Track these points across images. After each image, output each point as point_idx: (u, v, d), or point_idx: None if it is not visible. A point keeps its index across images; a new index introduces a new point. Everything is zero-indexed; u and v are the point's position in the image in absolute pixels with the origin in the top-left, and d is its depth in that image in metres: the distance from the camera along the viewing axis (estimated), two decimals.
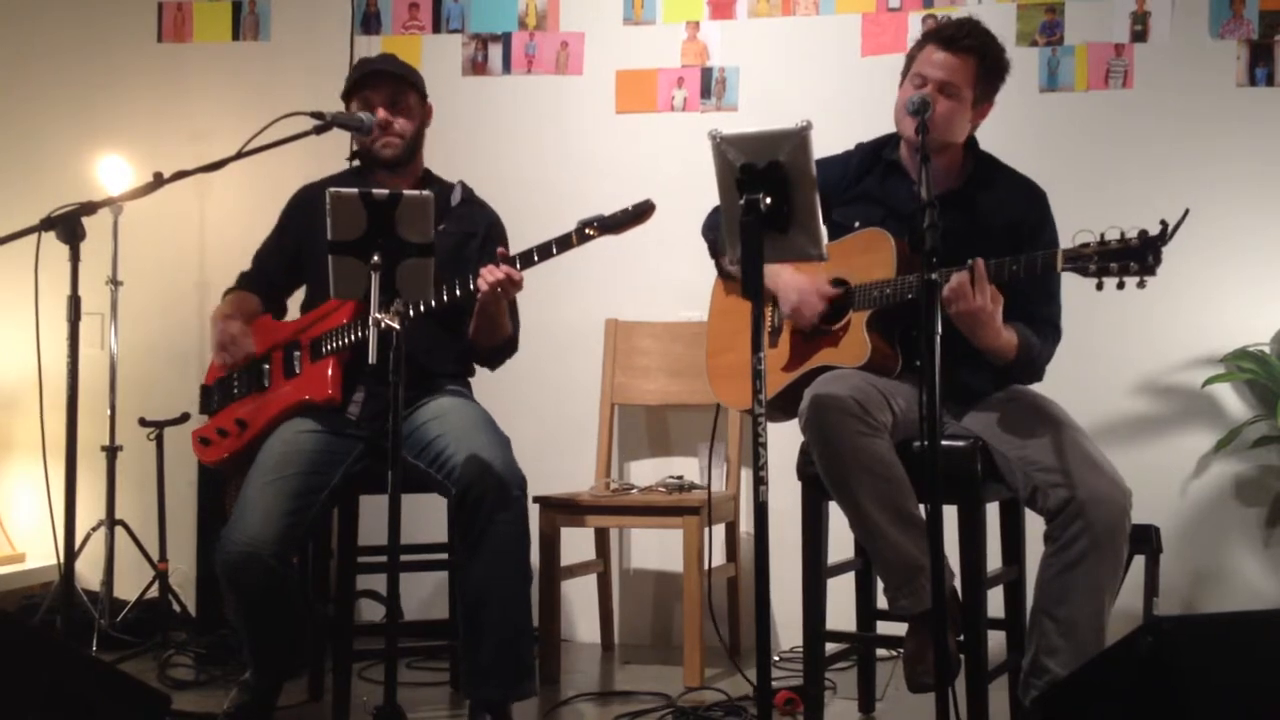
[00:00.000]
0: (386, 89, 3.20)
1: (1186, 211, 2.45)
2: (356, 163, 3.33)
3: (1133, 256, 2.49)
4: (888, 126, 3.04)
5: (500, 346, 3.22)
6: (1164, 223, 2.47)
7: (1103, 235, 2.53)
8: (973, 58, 2.86)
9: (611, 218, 2.84)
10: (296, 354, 3.18)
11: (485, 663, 2.92)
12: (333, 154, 3.82)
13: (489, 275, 2.90)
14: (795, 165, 2.36)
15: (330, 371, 3.10)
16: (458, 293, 2.96)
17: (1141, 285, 2.49)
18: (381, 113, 3.18)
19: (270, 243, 3.40)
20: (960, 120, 2.90)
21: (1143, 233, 2.48)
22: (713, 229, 3.13)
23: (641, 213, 2.83)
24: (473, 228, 3.27)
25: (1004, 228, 2.89)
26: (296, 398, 3.12)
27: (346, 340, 3.08)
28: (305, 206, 3.34)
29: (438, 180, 3.34)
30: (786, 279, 2.92)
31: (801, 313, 2.92)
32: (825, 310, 2.91)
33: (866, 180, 3.05)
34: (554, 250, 2.89)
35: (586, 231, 2.84)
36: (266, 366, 3.21)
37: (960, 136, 2.94)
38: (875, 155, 3.08)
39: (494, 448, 2.98)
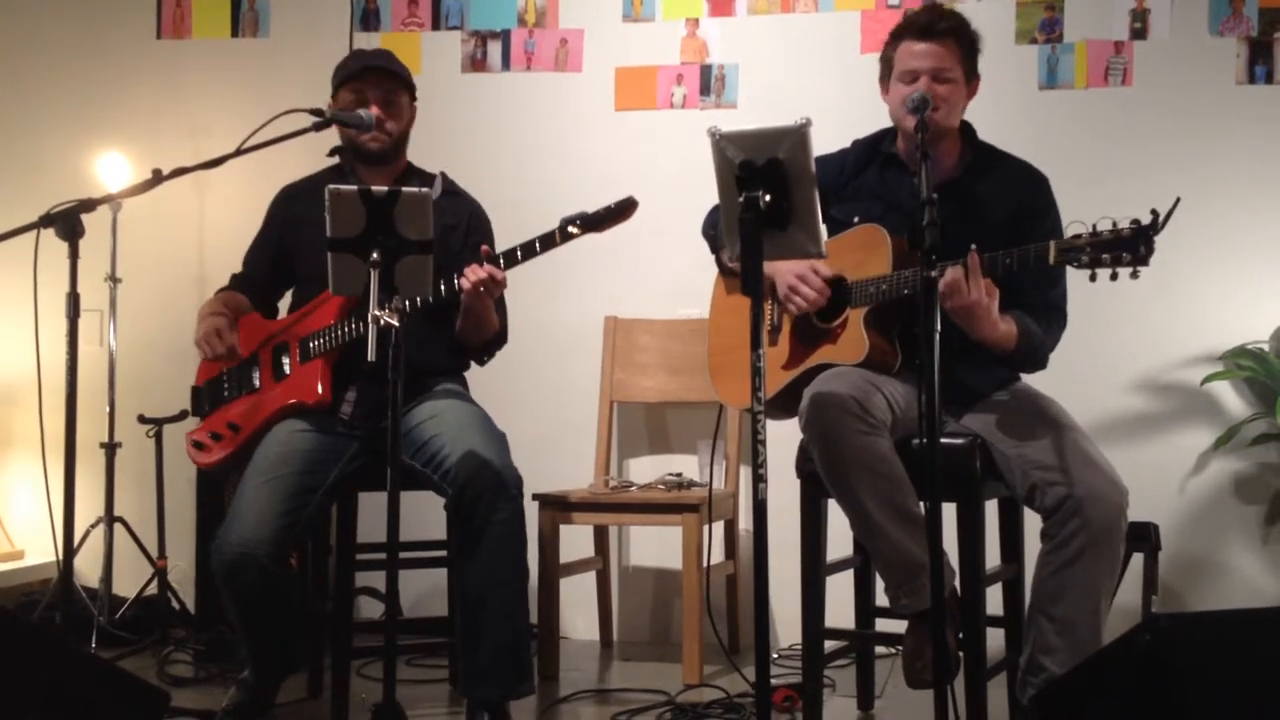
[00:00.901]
0: (383, 86, 3.19)
1: (1178, 200, 2.44)
2: (335, 159, 3.31)
3: (1125, 246, 2.48)
4: (888, 124, 3.04)
5: (490, 341, 3.21)
6: (1155, 212, 2.46)
7: (1094, 226, 2.52)
8: (951, 39, 2.87)
9: (594, 215, 2.82)
10: (285, 355, 3.18)
11: (483, 663, 2.92)
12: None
13: (472, 275, 2.89)
14: (794, 162, 2.35)
15: (320, 373, 3.09)
16: (442, 291, 2.94)
17: (1135, 276, 2.48)
18: (376, 110, 3.17)
19: (256, 246, 3.40)
20: (958, 102, 2.91)
21: (1134, 222, 2.48)
22: (713, 227, 3.12)
23: (624, 209, 2.81)
24: (454, 219, 3.25)
25: (1005, 216, 2.89)
26: (287, 400, 3.11)
27: (336, 340, 3.08)
28: (287, 207, 3.35)
29: (419, 173, 3.33)
30: (783, 265, 2.91)
31: (797, 292, 2.90)
32: (825, 297, 2.89)
33: (865, 174, 3.05)
34: (537, 248, 2.87)
35: (569, 229, 2.82)
36: (255, 369, 3.20)
37: (958, 119, 2.94)
38: (873, 149, 3.07)
39: (490, 447, 2.98)
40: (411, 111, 3.29)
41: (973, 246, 2.64)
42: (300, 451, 3.02)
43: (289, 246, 3.31)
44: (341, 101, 3.20)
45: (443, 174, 3.33)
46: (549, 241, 2.86)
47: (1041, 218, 2.90)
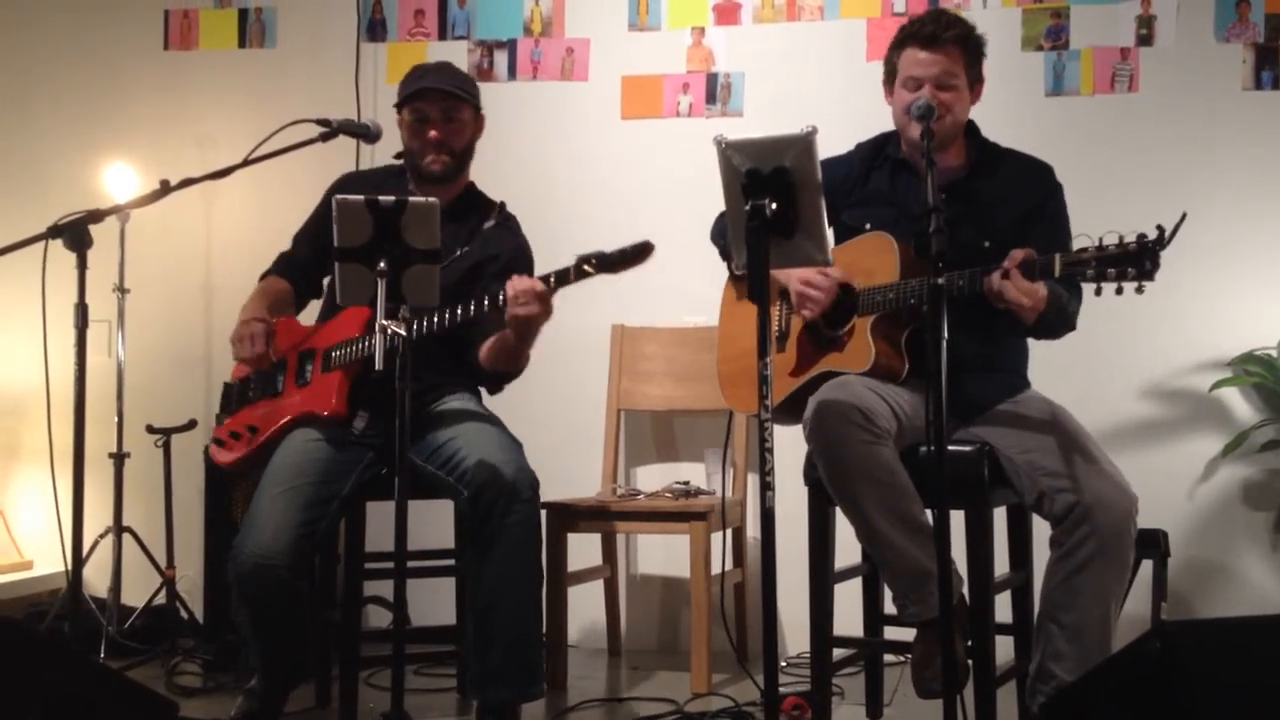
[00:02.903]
0: (441, 104, 3.18)
1: (1184, 216, 2.44)
2: (400, 161, 3.31)
3: (1130, 262, 2.47)
4: (892, 129, 3.04)
5: (513, 373, 3.19)
6: (1160, 228, 2.45)
7: (1100, 240, 2.51)
8: (956, 46, 2.87)
9: (610, 256, 2.78)
10: (309, 362, 3.18)
11: (494, 664, 2.92)
12: (339, 160, 3.83)
13: (515, 284, 2.84)
14: (801, 170, 2.36)
15: (338, 385, 3.09)
16: (470, 311, 2.93)
17: (1140, 291, 2.47)
18: (434, 133, 3.17)
19: (308, 228, 3.38)
20: (962, 109, 2.92)
21: (1140, 237, 2.46)
22: (722, 235, 3.13)
23: (640, 253, 2.78)
24: (497, 250, 3.22)
25: (1012, 211, 2.90)
26: (303, 409, 3.12)
27: (357, 352, 3.07)
28: (339, 193, 3.33)
29: (481, 197, 3.32)
30: (795, 270, 2.92)
31: (809, 296, 2.90)
32: (833, 295, 2.89)
33: (874, 179, 3.05)
34: (552, 282, 2.85)
35: (584, 268, 2.81)
36: (281, 374, 3.21)
37: (964, 121, 2.95)
38: (878, 152, 3.07)
39: (507, 450, 2.99)
40: (477, 123, 3.28)
41: (1012, 269, 2.62)
42: (316, 461, 3.02)
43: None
44: (404, 123, 3.21)
45: (503, 204, 3.32)
46: (563, 278, 2.84)
47: (1047, 207, 2.92)
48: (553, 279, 2.85)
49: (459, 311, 2.91)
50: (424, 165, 3.20)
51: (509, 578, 2.92)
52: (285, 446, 3.07)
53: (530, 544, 2.96)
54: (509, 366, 3.13)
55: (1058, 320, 2.81)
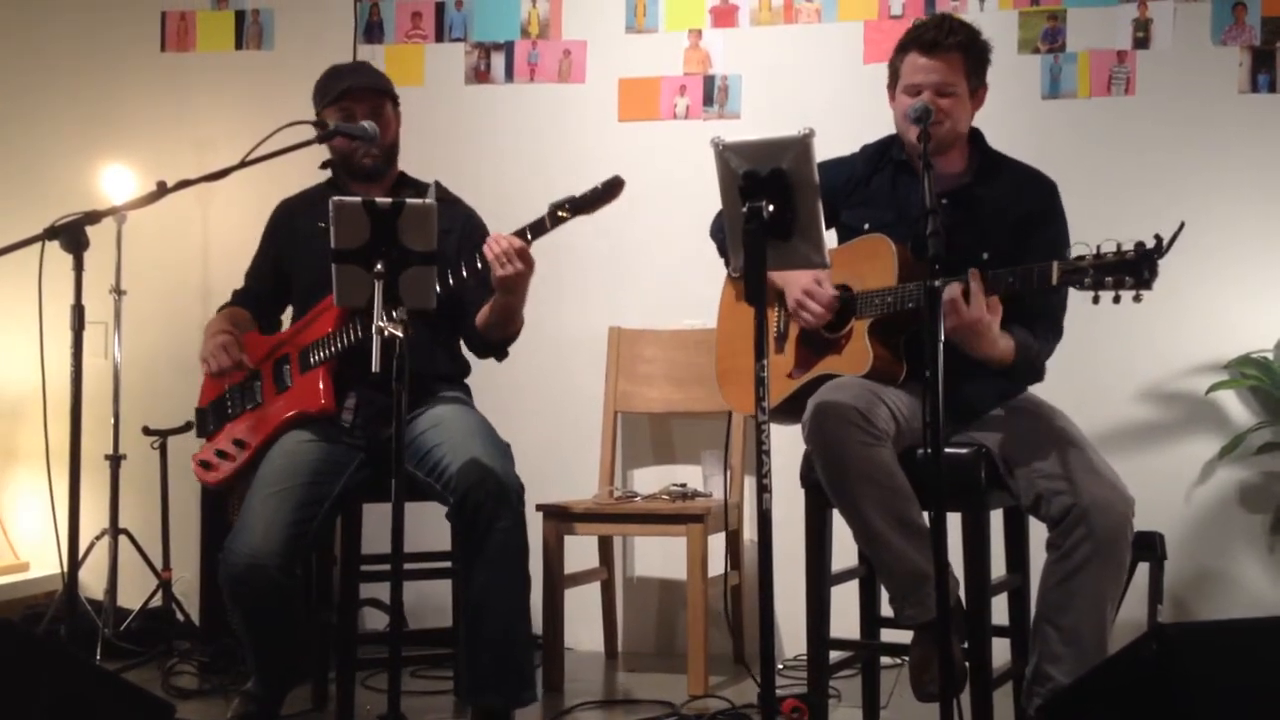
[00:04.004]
0: (368, 102, 3.20)
1: (1182, 225, 2.44)
2: (328, 172, 3.33)
3: (1128, 270, 2.47)
4: (893, 132, 3.04)
5: (511, 337, 3.21)
6: (1158, 236, 2.45)
7: (1098, 248, 2.51)
8: (957, 53, 2.86)
9: (582, 197, 2.81)
10: (286, 367, 3.18)
11: (485, 670, 2.93)
12: None
13: (495, 245, 2.88)
14: (798, 172, 2.36)
15: (321, 381, 3.10)
16: (463, 275, 2.94)
17: (1137, 299, 2.47)
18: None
19: (257, 260, 3.43)
20: (962, 115, 2.91)
21: (1139, 245, 2.46)
22: (721, 231, 3.12)
23: (611, 189, 2.81)
24: (448, 225, 3.22)
25: (1012, 222, 2.89)
26: (291, 411, 3.12)
27: (335, 348, 3.08)
28: (284, 221, 3.37)
29: (412, 183, 3.34)
30: (792, 276, 2.92)
31: (804, 307, 2.90)
32: (832, 303, 2.89)
33: (876, 180, 3.05)
34: (528, 235, 2.87)
35: (559, 214, 2.82)
36: (258, 383, 3.21)
37: (965, 127, 2.94)
38: (882, 154, 3.07)
39: (491, 455, 2.98)
40: (398, 119, 3.29)
41: (972, 270, 2.63)
42: (306, 462, 3.03)
43: (288, 259, 3.32)
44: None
45: (436, 183, 3.33)
46: (539, 228, 2.87)
47: (1047, 225, 2.90)
48: (529, 232, 2.89)
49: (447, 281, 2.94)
50: (358, 162, 3.21)
51: (497, 583, 2.93)
52: (277, 449, 3.08)
53: (517, 549, 2.96)
54: (508, 330, 3.16)
55: (1025, 373, 2.87)
